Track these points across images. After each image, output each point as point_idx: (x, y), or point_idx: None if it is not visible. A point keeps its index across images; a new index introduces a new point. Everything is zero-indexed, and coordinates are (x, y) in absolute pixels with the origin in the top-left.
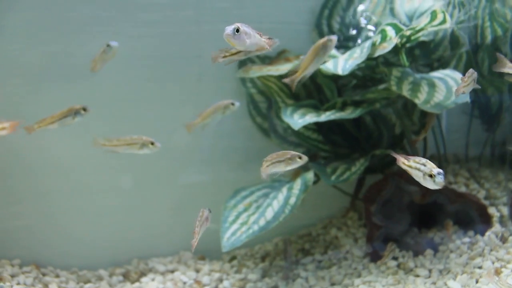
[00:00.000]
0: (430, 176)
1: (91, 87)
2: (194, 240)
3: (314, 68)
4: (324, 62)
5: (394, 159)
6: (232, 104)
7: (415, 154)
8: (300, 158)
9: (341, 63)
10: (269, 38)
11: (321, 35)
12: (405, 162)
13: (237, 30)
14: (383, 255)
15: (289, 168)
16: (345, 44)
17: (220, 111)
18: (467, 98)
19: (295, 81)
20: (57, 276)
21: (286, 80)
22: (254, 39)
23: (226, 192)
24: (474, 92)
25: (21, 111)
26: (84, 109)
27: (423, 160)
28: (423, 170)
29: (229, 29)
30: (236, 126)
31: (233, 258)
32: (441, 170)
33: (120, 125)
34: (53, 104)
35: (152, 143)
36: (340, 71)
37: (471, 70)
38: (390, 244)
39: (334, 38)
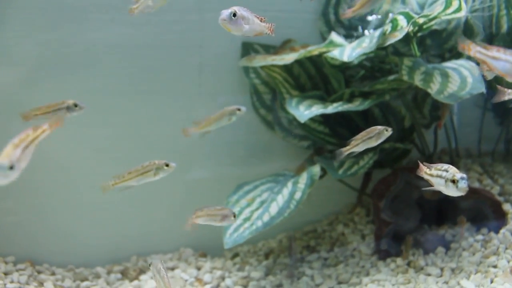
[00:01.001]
0: (453, 181)
1: (89, 76)
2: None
3: (366, 10)
4: (330, 51)
5: (403, 153)
6: (239, 109)
7: (424, 146)
8: (387, 130)
9: (347, 51)
10: (268, 23)
11: (328, 24)
12: (426, 171)
13: (234, 15)
14: (402, 250)
15: (379, 142)
16: (352, 34)
17: (225, 118)
18: (482, 89)
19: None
20: (53, 273)
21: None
22: (252, 24)
23: (229, 187)
24: (487, 84)
25: (17, 101)
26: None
27: (446, 166)
28: (445, 177)
29: (225, 13)
30: (239, 119)
31: (236, 255)
32: (464, 175)
33: (117, 117)
34: (49, 93)
35: (167, 165)
36: (345, 58)
37: None
38: (408, 236)
39: None
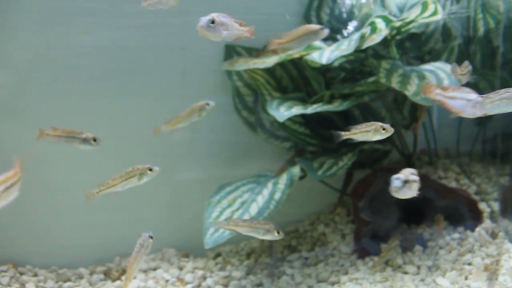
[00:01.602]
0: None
1: (73, 79)
2: None
3: (292, 47)
4: (310, 54)
5: (384, 154)
6: (208, 104)
7: (404, 147)
8: (384, 129)
9: (326, 54)
10: (247, 26)
11: None
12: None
13: (212, 22)
14: (382, 251)
15: (376, 138)
16: (333, 36)
17: (195, 114)
18: None
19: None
20: (35, 275)
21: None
22: (232, 30)
23: (212, 188)
24: (465, 85)
25: (5, 105)
26: (95, 140)
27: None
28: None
29: (203, 20)
30: (222, 121)
31: (218, 255)
32: (399, 176)
33: (101, 120)
34: (36, 96)
35: (151, 169)
36: (324, 61)
37: (466, 62)
38: (393, 239)
39: (326, 31)
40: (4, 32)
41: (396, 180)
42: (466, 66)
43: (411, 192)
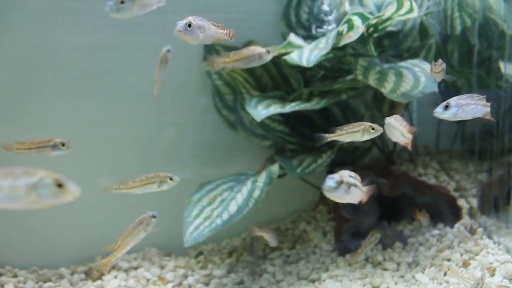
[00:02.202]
0: None
1: (53, 78)
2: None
3: (237, 67)
4: (289, 52)
5: (365, 152)
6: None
7: (384, 145)
8: (373, 129)
9: (306, 54)
10: (226, 29)
11: (289, 25)
12: None
13: (189, 25)
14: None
15: (365, 138)
16: (312, 35)
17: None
18: (435, 88)
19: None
20: (15, 276)
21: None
22: (209, 32)
23: (192, 186)
24: (444, 83)
25: None
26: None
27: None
28: None
29: (180, 24)
30: (202, 119)
31: (200, 253)
32: (333, 176)
33: (82, 119)
34: (15, 95)
35: (171, 178)
36: (304, 63)
37: (440, 61)
38: (373, 232)
39: (270, 56)
40: None
41: (330, 179)
42: (440, 64)
43: (349, 196)
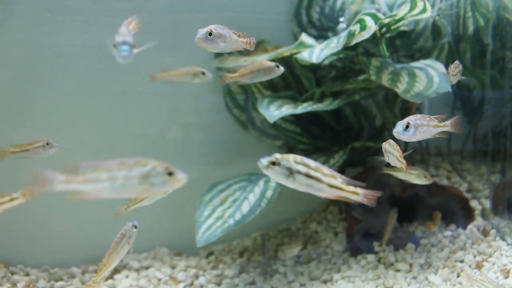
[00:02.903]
0: None
1: (63, 78)
2: None
3: (244, 82)
4: (301, 52)
5: (375, 152)
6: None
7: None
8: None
9: (316, 52)
10: (247, 37)
11: (300, 25)
12: None
13: (210, 34)
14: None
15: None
16: (324, 35)
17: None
18: (448, 88)
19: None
20: (27, 274)
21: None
22: (229, 41)
23: (203, 186)
24: (456, 84)
25: None
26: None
27: None
28: None
29: (201, 32)
30: (213, 119)
31: (211, 253)
32: None
33: (92, 118)
34: (22, 95)
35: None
36: (314, 60)
37: (457, 62)
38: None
39: (282, 69)
40: None
41: (263, 159)
42: (457, 66)
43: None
